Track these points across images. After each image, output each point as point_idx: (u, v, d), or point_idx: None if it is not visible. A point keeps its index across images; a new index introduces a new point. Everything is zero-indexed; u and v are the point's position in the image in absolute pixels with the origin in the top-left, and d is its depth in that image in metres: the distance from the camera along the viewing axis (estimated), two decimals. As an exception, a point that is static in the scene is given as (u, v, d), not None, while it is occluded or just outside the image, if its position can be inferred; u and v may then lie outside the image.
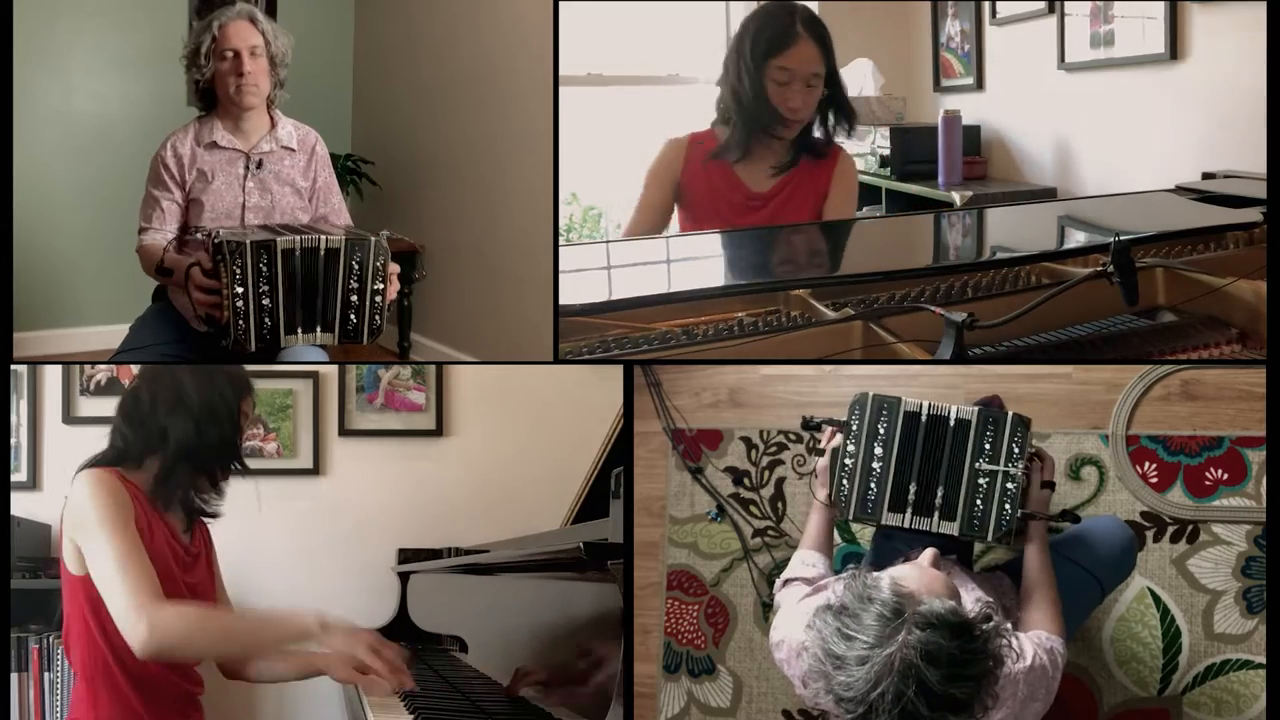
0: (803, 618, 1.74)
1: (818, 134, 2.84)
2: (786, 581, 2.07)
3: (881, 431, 2.01)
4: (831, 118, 2.82)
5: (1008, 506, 1.96)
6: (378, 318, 2.52)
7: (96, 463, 2.06)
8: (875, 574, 1.65)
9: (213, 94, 2.76)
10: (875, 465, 2.01)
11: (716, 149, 2.81)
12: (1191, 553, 2.57)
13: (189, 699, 2.13)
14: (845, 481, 2.02)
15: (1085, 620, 2.43)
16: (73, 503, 1.97)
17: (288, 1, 4.40)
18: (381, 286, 2.50)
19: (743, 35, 2.76)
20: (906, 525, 2.00)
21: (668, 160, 2.85)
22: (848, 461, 2.02)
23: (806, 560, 2.09)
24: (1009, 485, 1.96)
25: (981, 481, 1.97)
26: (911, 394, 2.04)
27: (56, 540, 3.21)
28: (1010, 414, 1.98)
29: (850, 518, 2.05)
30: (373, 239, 2.50)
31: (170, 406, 2.07)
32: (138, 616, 1.81)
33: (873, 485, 2.01)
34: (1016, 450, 1.96)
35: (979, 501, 1.97)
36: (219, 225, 2.74)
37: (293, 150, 2.81)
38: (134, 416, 2.09)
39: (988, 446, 1.97)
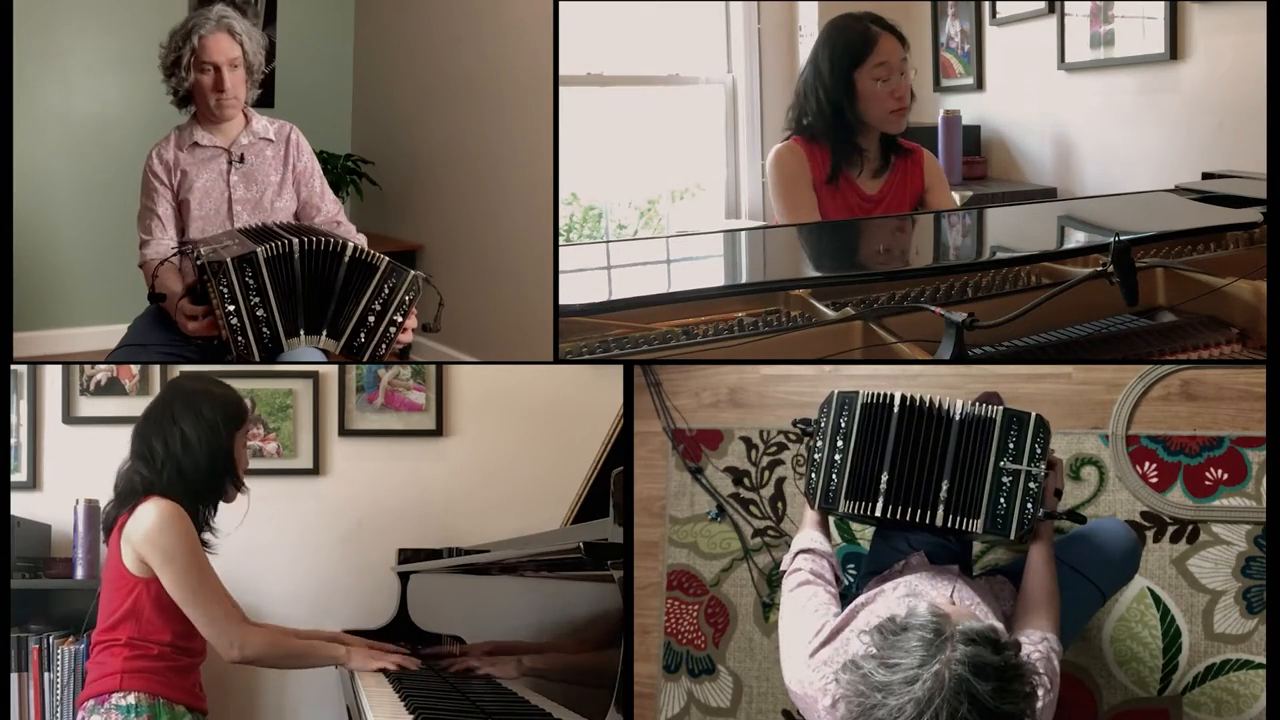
0: (819, 669, 1.78)
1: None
2: (797, 554, 2.08)
3: (843, 425, 2.03)
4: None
5: (1030, 506, 1.97)
6: (384, 346, 2.50)
7: (138, 491, 2.32)
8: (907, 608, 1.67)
9: (190, 98, 2.77)
10: (836, 458, 2.03)
11: (834, 164, 2.90)
12: (1191, 553, 2.57)
13: (195, 668, 2.46)
14: (813, 475, 2.06)
15: (1085, 623, 2.43)
16: (145, 529, 2.27)
17: (288, 1, 4.40)
18: (400, 320, 2.48)
19: (821, 52, 2.88)
20: (884, 514, 2.00)
21: (797, 166, 2.91)
22: (816, 457, 2.05)
23: (814, 537, 2.10)
24: (1031, 485, 1.97)
25: (1005, 480, 1.98)
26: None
27: (58, 540, 3.23)
28: (1034, 415, 1.99)
29: (815, 508, 2.08)
30: (411, 274, 2.49)
31: (171, 443, 2.34)
32: (230, 642, 2.33)
33: (834, 476, 2.03)
34: (1039, 451, 1.97)
35: (1003, 500, 1.97)
36: (208, 222, 2.75)
37: (271, 140, 2.82)
38: (144, 455, 2.34)
39: (1012, 446, 1.98)
